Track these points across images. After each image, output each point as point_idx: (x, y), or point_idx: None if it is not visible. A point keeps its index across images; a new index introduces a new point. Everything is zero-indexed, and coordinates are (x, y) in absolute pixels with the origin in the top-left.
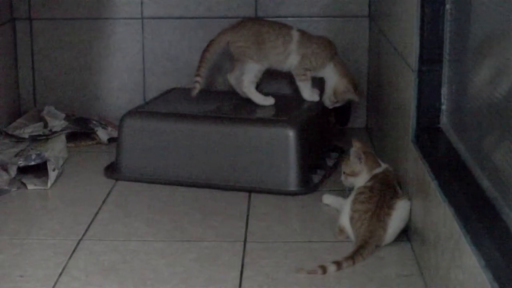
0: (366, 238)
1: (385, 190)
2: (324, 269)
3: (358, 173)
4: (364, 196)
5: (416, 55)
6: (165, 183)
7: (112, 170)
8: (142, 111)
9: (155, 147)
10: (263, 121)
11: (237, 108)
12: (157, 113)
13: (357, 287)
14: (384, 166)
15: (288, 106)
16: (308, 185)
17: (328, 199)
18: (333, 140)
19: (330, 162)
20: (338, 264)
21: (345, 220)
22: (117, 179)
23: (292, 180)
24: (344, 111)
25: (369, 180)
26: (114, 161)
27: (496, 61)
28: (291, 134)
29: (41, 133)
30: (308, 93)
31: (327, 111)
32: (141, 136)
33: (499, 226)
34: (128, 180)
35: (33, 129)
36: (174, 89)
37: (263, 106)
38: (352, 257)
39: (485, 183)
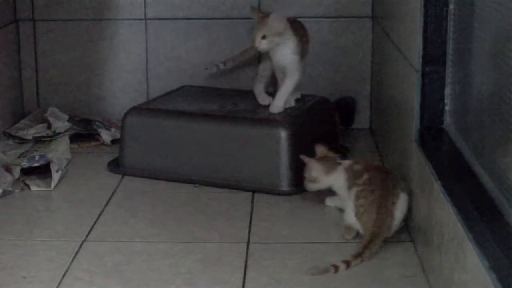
0: (375, 231)
1: (385, 179)
2: (336, 268)
3: (316, 180)
4: (366, 190)
5: (419, 56)
6: (165, 179)
7: (116, 165)
8: (144, 107)
9: (156, 143)
10: (257, 121)
11: (238, 107)
12: (159, 110)
13: None
14: (347, 162)
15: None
16: (299, 186)
17: (331, 201)
18: (338, 141)
19: None
20: (347, 263)
21: (350, 218)
22: (120, 174)
23: (283, 180)
24: (348, 112)
25: (357, 177)
26: (117, 156)
27: (499, 61)
28: (283, 134)
29: (44, 134)
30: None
31: (330, 112)
32: (143, 132)
33: (503, 227)
34: (131, 175)
35: (37, 130)
36: (185, 86)
37: (265, 106)
38: (361, 254)
39: (489, 184)
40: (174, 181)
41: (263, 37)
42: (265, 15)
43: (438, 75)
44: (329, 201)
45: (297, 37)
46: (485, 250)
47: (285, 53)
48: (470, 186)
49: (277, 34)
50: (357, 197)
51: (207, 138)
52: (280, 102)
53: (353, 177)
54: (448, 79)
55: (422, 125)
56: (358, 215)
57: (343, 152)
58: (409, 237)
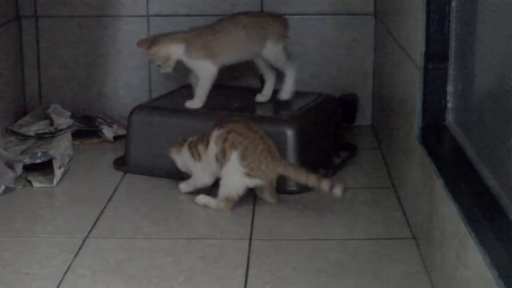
0: (288, 166)
1: (250, 128)
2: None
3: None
4: (247, 147)
5: (421, 53)
6: (171, 177)
7: (121, 163)
8: (150, 105)
9: (162, 141)
10: (263, 119)
11: (244, 105)
12: (164, 108)
13: (363, 285)
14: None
15: (292, 104)
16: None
17: (184, 186)
18: (344, 138)
19: (337, 161)
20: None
21: (236, 186)
22: (126, 172)
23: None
24: (351, 108)
25: (199, 143)
26: (123, 154)
27: (502, 58)
28: (289, 133)
29: (47, 131)
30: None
31: (335, 110)
32: (149, 130)
33: (505, 224)
34: (137, 173)
35: (39, 127)
36: (190, 84)
37: (270, 103)
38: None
39: (491, 181)
40: (180, 179)
41: (159, 65)
42: (147, 46)
43: (440, 72)
44: (183, 186)
45: (188, 40)
46: (487, 247)
47: (183, 59)
48: (472, 183)
49: (165, 59)
50: (242, 159)
51: None
52: (194, 101)
53: (222, 145)
54: (450, 77)
55: (424, 122)
56: (254, 171)
57: (350, 150)
58: (411, 234)
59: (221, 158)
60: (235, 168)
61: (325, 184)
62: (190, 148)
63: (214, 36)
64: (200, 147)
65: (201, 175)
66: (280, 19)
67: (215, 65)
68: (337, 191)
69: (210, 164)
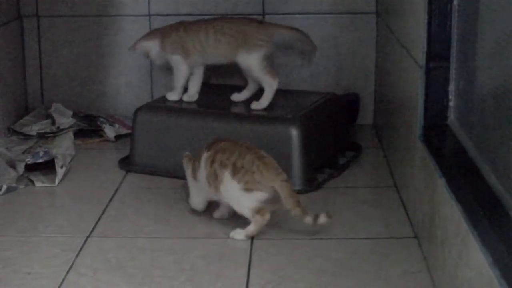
0: (283, 182)
1: (236, 145)
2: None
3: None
4: (230, 162)
5: (423, 52)
6: (177, 177)
7: (127, 163)
8: (155, 105)
9: (167, 141)
10: (268, 119)
11: (248, 105)
12: (170, 107)
13: (364, 284)
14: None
15: (297, 103)
16: (311, 184)
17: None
18: (349, 138)
19: (342, 161)
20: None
21: (244, 203)
22: (131, 171)
23: (295, 179)
24: (352, 108)
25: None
26: (128, 154)
27: (503, 57)
28: (294, 132)
29: (48, 130)
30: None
31: (340, 109)
32: (154, 129)
33: (507, 224)
34: (142, 173)
35: (41, 126)
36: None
37: (274, 102)
38: (302, 209)
39: (493, 180)
40: (183, 178)
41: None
42: None
43: (442, 71)
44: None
45: (163, 35)
46: (489, 247)
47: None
48: (474, 182)
49: (146, 55)
50: (234, 173)
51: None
52: (171, 95)
53: (212, 167)
54: (452, 75)
55: (426, 121)
56: (250, 184)
57: (355, 149)
58: (413, 233)
59: (214, 181)
60: (231, 187)
61: (308, 219)
62: (194, 162)
63: (185, 33)
64: (196, 166)
65: (195, 196)
66: (263, 28)
67: (185, 62)
68: (322, 220)
69: (203, 187)
